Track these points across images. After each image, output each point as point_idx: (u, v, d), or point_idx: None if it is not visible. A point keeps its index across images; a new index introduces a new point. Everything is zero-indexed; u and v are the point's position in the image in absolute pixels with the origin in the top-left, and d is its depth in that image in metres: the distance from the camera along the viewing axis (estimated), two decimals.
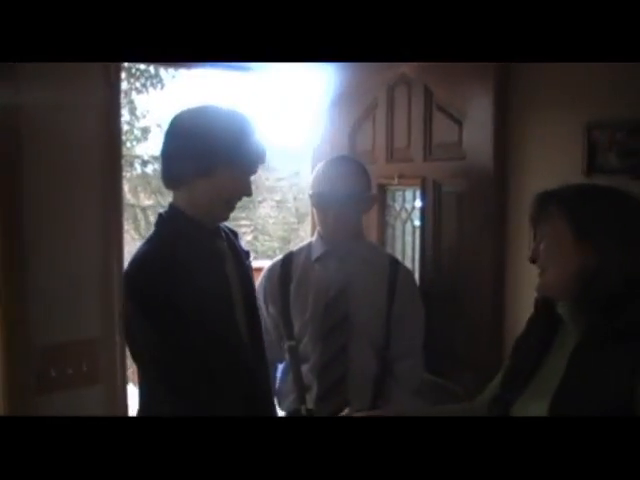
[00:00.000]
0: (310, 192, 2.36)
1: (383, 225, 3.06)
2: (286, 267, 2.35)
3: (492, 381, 1.74)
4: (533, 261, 1.53)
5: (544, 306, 1.58)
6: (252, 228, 16.66)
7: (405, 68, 2.74)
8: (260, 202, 15.68)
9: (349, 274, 2.30)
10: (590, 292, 1.41)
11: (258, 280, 2.39)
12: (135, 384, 5.23)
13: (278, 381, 2.39)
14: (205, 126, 1.67)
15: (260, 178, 15.96)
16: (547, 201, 1.50)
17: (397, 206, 3.01)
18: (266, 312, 2.34)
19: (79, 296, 2.12)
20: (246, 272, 1.84)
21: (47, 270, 2.04)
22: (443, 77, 2.54)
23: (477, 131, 2.47)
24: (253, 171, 1.74)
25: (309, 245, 2.40)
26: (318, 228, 2.37)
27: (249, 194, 1.75)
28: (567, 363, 1.44)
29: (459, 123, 2.51)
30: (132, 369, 5.29)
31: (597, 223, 1.42)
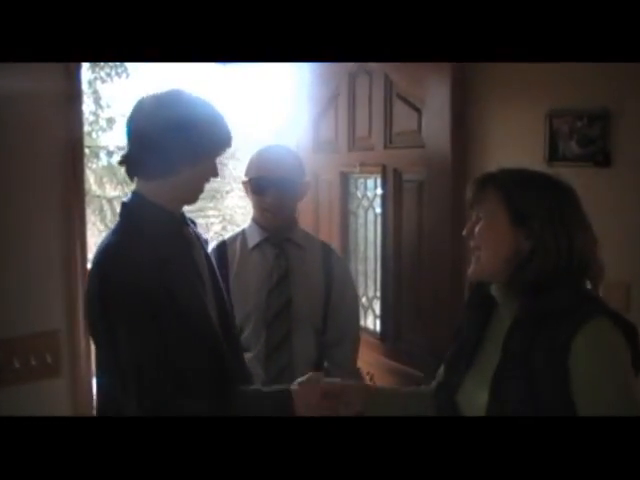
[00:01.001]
0: (245, 179, 2.33)
1: (346, 213, 3.06)
2: (221, 256, 2.32)
3: (440, 367, 1.75)
4: (467, 238, 1.53)
5: (478, 289, 1.59)
6: (220, 218, 16.57)
7: None
8: (228, 192, 15.60)
9: (289, 260, 2.30)
10: (522, 275, 1.43)
11: None
12: None
13: None
14: (182, 115, 1.60)
15: (228, 168, 15.90)
16: (485, 184, 1.50)
17: (359, 194, 3.02)
18: None
19: (42, 288, 2.11)
20: (209, 259, 1.83)
21: (8, 262, 2.02)
22: (402, 66, 2.54)
23: (435, 119, 2.47)
24: (222, 154, 1.72)
25: (243, 233, 2.38)
26: (253, 215, 2.37)
27: (217, 175, 1.74)
28: (502, 346, 1.46)
29: (418, 111, 2.52)
30: None
31: (532, 208, 1.43)
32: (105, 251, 1.58)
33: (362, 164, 2.77)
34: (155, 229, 1.62)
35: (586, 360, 1.35)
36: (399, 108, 2.61)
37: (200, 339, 1.62)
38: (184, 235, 1.72)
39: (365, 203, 3.04)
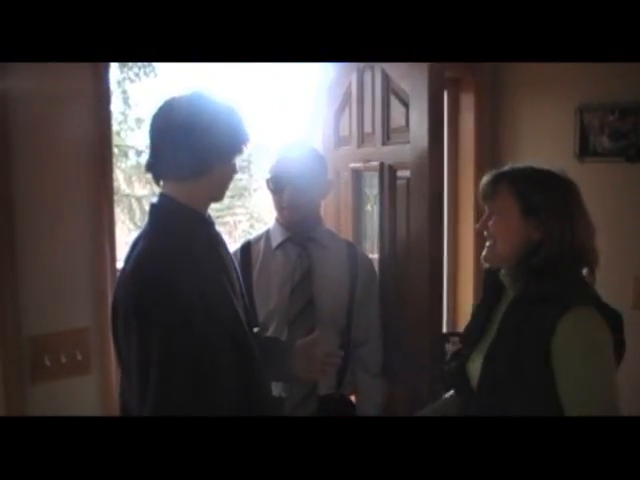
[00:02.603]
0: (267, 177, 2.32)
1: (357, 211, 3.03)
2: (245, 256, 2.32)
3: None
4: (480, 232, 1.71)
5: (490, 275, 1.76)
6: (248, 216, 16.63)
7: None
8: (255, 190, 15.65)
9: (312, 259, 2.29)
10: (531, 261, 1.58)
11: None
12: None
13: None
14: (207, 119, 1.60)
15: (255, 166, 15.94)
16: (498, 181, 1.65)
17: (367, 191, 2.99)
18: None
19: (72, 286, 2.13)
20: (231, 258, 1.84)
21: (39, 260, 2.05)
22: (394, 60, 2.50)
23: (417, 114, 2.42)
24: (242, 151, 1.74)
25: (267, 233, 2.37)
26: (276, 215, 2.36)
27: (236, 172, 1.76)
28: (499, 323, 1.64)
29: (406, 106, 2.49)
30: None
31: (540, 202, 1.59)
32: (140, 256, 1.58)
33: (366, 161, 2.74)
34: (187, 231, 1.62)
35: (567, 342, 1.47)
36: (394, 104, 2.58)
37: (232, 339, 1.62)
38: (213, 235, 1.73)
39: (373, 200, 3.02)
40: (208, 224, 1.73)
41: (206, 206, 1.72)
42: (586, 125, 2.43)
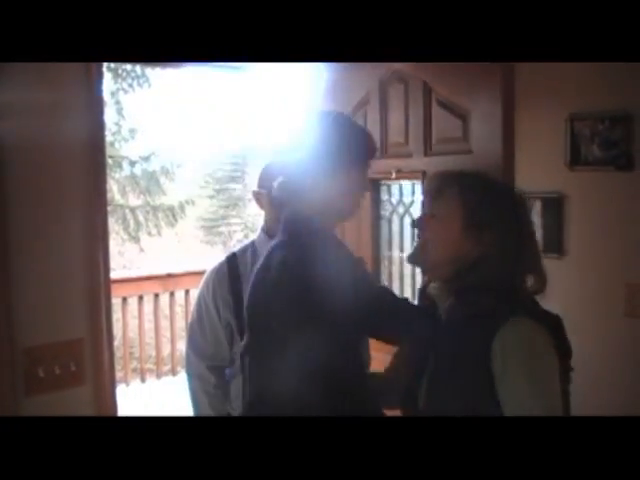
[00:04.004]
0: (262, 190, 2.29)
1: (377, 219, 3.07)
2: (233, 269, 2.30)
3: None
4: (416, 227, 1.61)
5: (421, 291, 1.67)
6: (242, 226, 16.66)
7: (398, 65, 2.74)
8: (250, 200, 15.68)
9: None
10: (462, 278, 1.49)
11: (202, 284, 2.35)
12: (127, 385, 5.26)
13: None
14: (331, 131, 1.68)
15: (249, 176, 15.97)
16: (447, 184, 1.55)
17: (394, 200, 3.03)
18: (217, 316, 2.30)
19: (65, 297, 2.13)
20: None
21: (32, 271, 2.04)
22: (444, 73, 2.55)
23: (484, 125, 2.46)
24: (369, 162, 1.78)
25: (252, 245, 2.37)
26: (263, 226, 2.35)
27: (368, 188, 1.83)
28: (433, 347, 1.54)
29: (462, 118, 2.53)
30: (124, 371, 5.31)
31: (485, 220, 1.48)
32: (286, 262, 1.60)
33: (399, 171, 2.77)
34: (318, 246, 1.63)
35: (503, 360, 1.39)
36: (440, 115, 2.61)
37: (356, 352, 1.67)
38: (339, 249, 1.74)
39: (401, 209, 3.04)
40: (334, 238, 1.74)
41: (334, 222, 1.76)
42: (577, 134, 2.44)
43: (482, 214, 1.49)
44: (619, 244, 2.47)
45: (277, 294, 1.58)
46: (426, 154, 2.71)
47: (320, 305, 1.50)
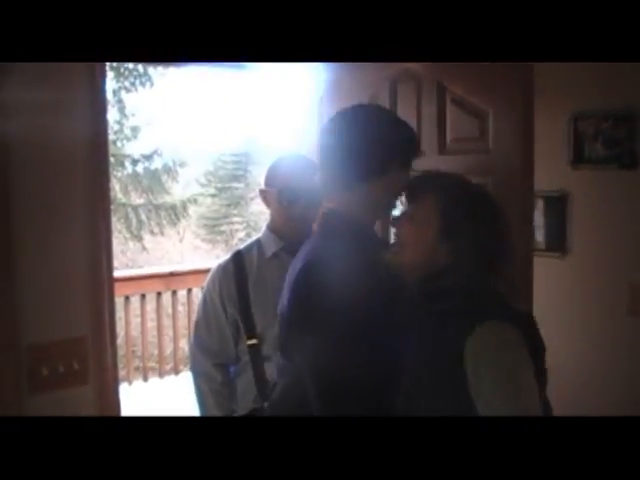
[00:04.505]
0: (267, 188, 2.30)
1: (387, 218, 3.08)
2: (239, 266, 2.31)
3: None
4: (394, 227, 1.63)
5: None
6: (245, 225, 16.66)
7: (410, 64, 2.75)
8: (252, 199, 15.70)
9: None
10: (433, 282, 1.50)
11: (208, 281, 2.35)
12: (129, 383, 5.26)
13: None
14: (374, 126, 1.61)
15: (252, 174, 15.98)
16: (426, 188, 1.58)
17: (404, 199, 3.03)
18: (223, 313, 2.31)
19: (69, 295, 2.13)
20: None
21: (36, 270, 2.05)
22: (459, 72, 2.55)
23: (503, 124, 2.47)
24: (412, 160, 1.71)
25: (258, 242, 2.38)
26: (269, 224, 2.38)
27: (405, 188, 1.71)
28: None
29: (480, 117, 2.54)
30: (127, 369, 5.31)
31: (461, 229, 1.49)
32: (310, 264, 1.58)
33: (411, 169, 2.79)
34: (351, 245, 1.59)
35: (474, 363, 1.39)
36: (455, 114, 2.62)
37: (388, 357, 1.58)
38: (375, 251, 1.67)
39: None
40: (370, 238, 1.70)
41: (374, 218, 1.73)
42: (580, 132, 2.44)
43: (457, 221, 1.50)
44: (622, 243, 2.47)
45: (313, 298, 1.55)
46: (440, 153, 2.71)
47: (354, 311, 1.47)
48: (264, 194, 2.34)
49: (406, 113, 2.85)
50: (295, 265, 1.67)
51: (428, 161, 2.76)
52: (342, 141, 1.62)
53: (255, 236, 2.44)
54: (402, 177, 1.67)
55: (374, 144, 1.59)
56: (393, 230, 1.62)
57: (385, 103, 2.92)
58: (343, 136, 1.62)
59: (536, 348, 1.46)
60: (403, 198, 1.67)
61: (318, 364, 1.51)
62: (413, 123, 2.81)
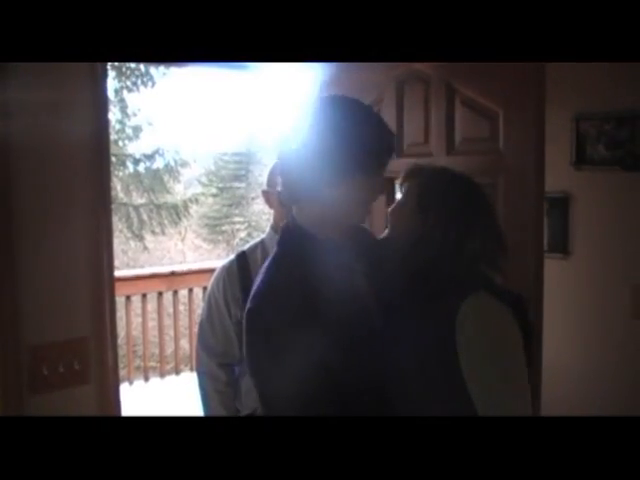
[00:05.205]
0: (271, 189, 2.29)
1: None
2: (243, 267, 2.31)
3: None
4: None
5: None
6: (246, 225, 16.67)
7: (418, 64, 2.75)
8: (253, 199, 15.71)
9: None
10: (408, 256, 1.55)
11: (212, 282, 2.35)
12: (130, 383, 5.27)
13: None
14: (340, 125, 1.41)
15: (253, 174, 15.99)
16: (413, 174, 1.66)
17: None
18: (227, 314, 2.31)
19: (70, 295, 2.12)
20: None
21: (37, 270, 2.04)
22: (469, 73, 2.55)
23: (514, 126, 2.47)
24: (386, 163, 1.51)
25: (262, 243, 2.37)
26: (273, 225, 2.36)
27: (383, 192, 1.58)
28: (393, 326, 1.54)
29: (490, 118, 2.54)
30: (128, 369, 5.31)
31: (433, 201, 1.56)
32: (265, 287, 1.48)
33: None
34: (308, 259, 1.47)
35: (468, 332, 1.41)
36: (465, 115, 2.62)
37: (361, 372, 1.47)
38: (339, 265, 1.53)
39: None
40: (334, 250, 1.52)
41: (331, 231, 1.51)
42: (583, 134, 2.44)
43: (429, 196, 1.57)
44: (625, 245, 2.47)
45: (260, 317, 1.46)
46: (449, 153, 2.71)
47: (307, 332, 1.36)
48: (266, 195, 2.35)
49: (413, 114, 2.85)
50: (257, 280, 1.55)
51: (435, 161, 2.76)
52: (304, 142, 1.43)
53: (258, 237, 2.45)
54: (375, 184, 1.50)
55: (342, 146, 1.40)
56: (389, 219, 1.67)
57: (391, 104, 2.93)
58: (305, 133, 1.44)
59: (525, 330, 1.47)
60: (400, 189, 1.70)
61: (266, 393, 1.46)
62: (420, 123, 2.81)
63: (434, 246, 1.53)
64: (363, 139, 1.42)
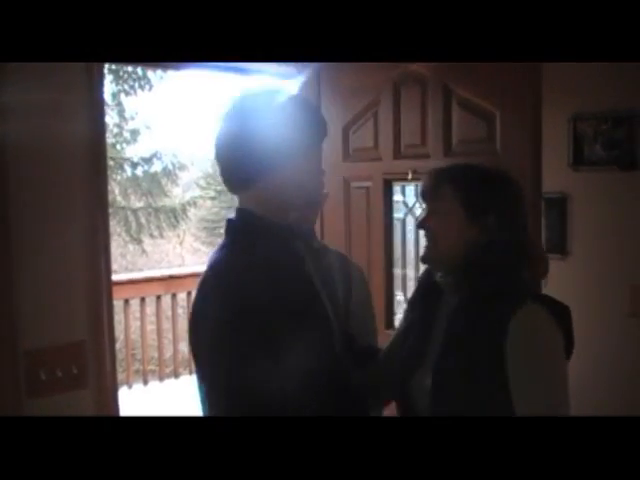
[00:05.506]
0: None
1: (390, 220, 3.09)
2: None
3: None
4: (420, 228, 1.64)
5: (425, 279, 1.68)
6: None
7: (415, 66, 2.76)
8: None
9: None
10: (475, 264, 1.53)
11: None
12: (129, 387, 5.26)
13: None
14: (274, 116, 1.45)
15: None
16: (441, 181, 1.58)
17: (409, 201, 3.05)
18: None
19: (67, 299, 2.12)
20: (328, 270, 1.72)
21: (34, 274, 2.04)
22: (465, 74, 2.56)
23: (511, 126, 2.48)
24: (320, 148, 1.56)
25: None
26: None
27: (323, 173, 1.62)
28: (445, 329, 1.54)
29: (487, 119, 2.55)
30: (127, 373, 5.30)
31: (486, 206, 1.54)
32: (214, 269, 1.48)
33: (415, 171, 2.79)
34: (262, 245, 1.47)
35: (519, 344, 1.42)
36: (462, 116, 2.62)
37: (317, 361, 1.43)
38: (293, 249, 1.57)
39: (418, 210, 3.06)
40: (287, 237, 1.55)
41: (286, 216, 1.55)
42: (580, 134, 2.44)
43: (480, 203, 1.54)
44: (622, 245, 2.47)
45: (204, 308, 1.48)
46: (446, 155, 2.72)
47: (255, 324, 1.37)
48: None
49: (410, 115, 2.85)
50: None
51: (432, 163, 2.77)
52: (239, 128, 1.46)
53: None
54: (314, 165, 1.55)
55: (275, 127, 1.44)
56: (421, 231, 1.62)
57: (389, 106, 2.93)
58: (238, 122, 1.47)
59: (568, 341, 1.48)
60: (422, 199, 1.64)
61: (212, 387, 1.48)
62: (418, 125, 2.82)
63: (501, 250, 1.52)
64: (300, 122, 1.47)
